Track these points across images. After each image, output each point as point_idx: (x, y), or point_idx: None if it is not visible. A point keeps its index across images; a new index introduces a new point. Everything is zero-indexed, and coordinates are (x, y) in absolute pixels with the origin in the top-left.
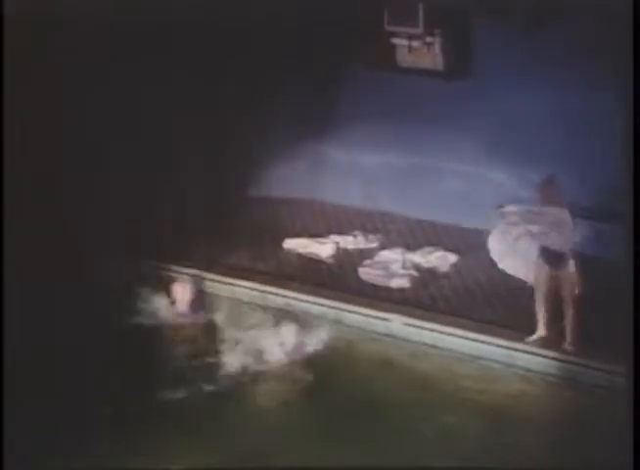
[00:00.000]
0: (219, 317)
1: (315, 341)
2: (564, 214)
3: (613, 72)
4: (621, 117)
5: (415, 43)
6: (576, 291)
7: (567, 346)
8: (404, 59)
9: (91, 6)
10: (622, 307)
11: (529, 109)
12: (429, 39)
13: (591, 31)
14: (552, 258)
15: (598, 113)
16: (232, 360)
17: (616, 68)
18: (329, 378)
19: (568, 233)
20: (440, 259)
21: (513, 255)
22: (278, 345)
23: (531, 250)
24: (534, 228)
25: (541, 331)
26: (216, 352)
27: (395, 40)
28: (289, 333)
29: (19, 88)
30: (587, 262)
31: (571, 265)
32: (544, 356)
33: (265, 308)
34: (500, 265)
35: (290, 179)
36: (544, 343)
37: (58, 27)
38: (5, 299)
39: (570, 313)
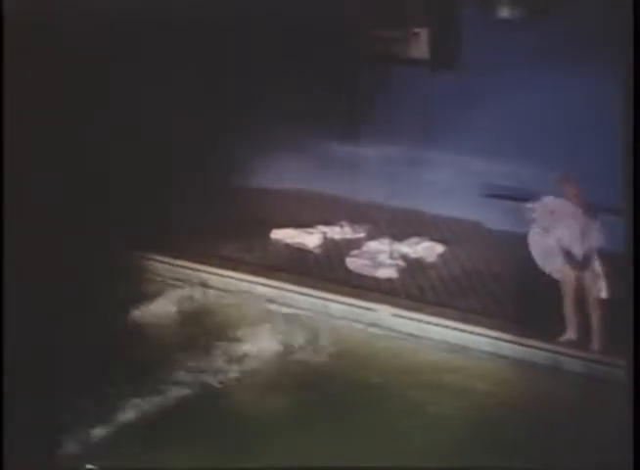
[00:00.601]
0: (213, 312)
1: (304, 333)
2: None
3: (613, 66)
4: (621, 112)
5: (404, 34)
6: (602, 292)
7: (594, 348)
8: (397, 49)
9: (91, 6)
10: (620, 300)
11: (528, 102)
12: (417, 30)
13: (592, 24)
14: (577, 258)
15: (598, 106)
16: (229, 357)
17: (616, 62)
18: (318, 371)
19: (594, 233)
20: (427, 250)
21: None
22: (271, 339)
23: (555, 246)
24: (559, 225)
25: (571, 334)
26: (213, 350)
27: (386, 32)
28: (279, 328)
29: (19, 88)
30: None
31: (597, 266)
32: (539, 348)
33: (256, 302)
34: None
35: (277, 170)
36: (574, 345)
37: (58, 27)
38: (5, 299)
39: (596, 315)
